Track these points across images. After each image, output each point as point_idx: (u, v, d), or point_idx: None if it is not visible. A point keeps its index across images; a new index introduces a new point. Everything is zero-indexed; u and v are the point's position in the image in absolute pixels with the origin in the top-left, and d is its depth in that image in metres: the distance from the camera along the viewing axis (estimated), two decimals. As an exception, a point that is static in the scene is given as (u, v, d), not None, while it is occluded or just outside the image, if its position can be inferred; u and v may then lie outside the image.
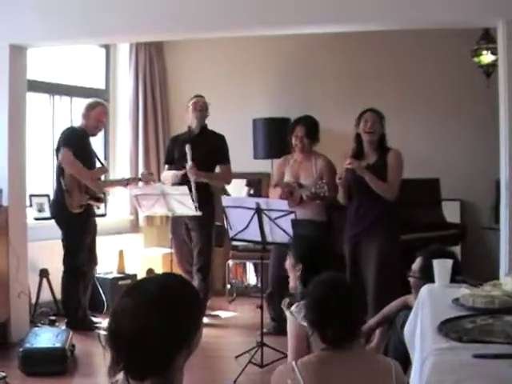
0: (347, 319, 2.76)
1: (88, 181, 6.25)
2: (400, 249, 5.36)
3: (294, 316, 3.62)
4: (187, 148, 6.36)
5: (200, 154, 6.40)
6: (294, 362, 2.71)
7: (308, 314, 2.87)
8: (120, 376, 1.97)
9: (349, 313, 2.78)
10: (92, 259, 6.48)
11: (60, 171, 6.26)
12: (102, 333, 1.84)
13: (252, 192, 7.88)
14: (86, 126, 6.40)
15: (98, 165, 6.54)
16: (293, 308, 3.67)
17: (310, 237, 5.51)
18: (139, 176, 7.01)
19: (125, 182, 6.75)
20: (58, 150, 6.27)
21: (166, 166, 6.81)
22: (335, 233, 6.12)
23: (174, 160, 6.66)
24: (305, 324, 3.46)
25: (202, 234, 6.53)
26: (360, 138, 5.54)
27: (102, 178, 6.83)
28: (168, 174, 6.64)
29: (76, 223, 6.25)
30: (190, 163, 6.35)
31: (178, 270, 7.58)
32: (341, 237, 5.66)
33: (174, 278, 2.07)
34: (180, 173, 6.45)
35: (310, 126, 6.19)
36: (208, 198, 6.48)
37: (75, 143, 6.24)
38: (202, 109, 6.58)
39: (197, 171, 6.34)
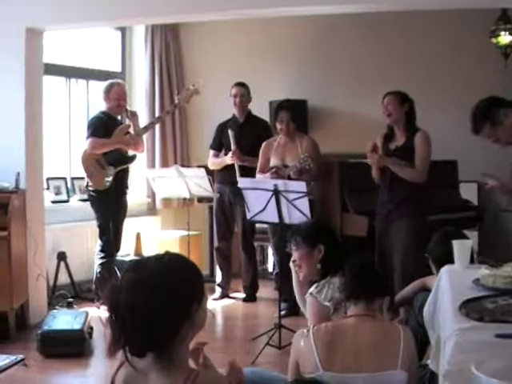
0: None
1: (116, 144, 6.27)
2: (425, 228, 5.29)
3: (315, 297, 3.62)
4: (230, 134, 6.56)
5: (245, 142, 6.56)
6: (311, 325, 3.01)
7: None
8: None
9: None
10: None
11: None
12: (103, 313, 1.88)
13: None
14: (109, 109, 6.44)
15: None
16: (312, 289, 3.66)
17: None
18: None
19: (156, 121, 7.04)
20: None
21: (212, 152, 6.94)
22: None
23: (222, 146, 6.82)
24: (327, 304, 3.49)
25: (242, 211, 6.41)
26: None
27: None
28: (216, 161, 6.82)
29: (107, 203, 6.28)
30: (233, 148, 6.53)
31: (199, 252, 7.59)
32: None
33: (174, 256, 2.11)
34: (226, 157, 6.63)
35: (294, 111, 6.26)
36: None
37: (98, 130, 6.27)
38: (239, 103, 6.75)
39: (240, 156, 6.49)
